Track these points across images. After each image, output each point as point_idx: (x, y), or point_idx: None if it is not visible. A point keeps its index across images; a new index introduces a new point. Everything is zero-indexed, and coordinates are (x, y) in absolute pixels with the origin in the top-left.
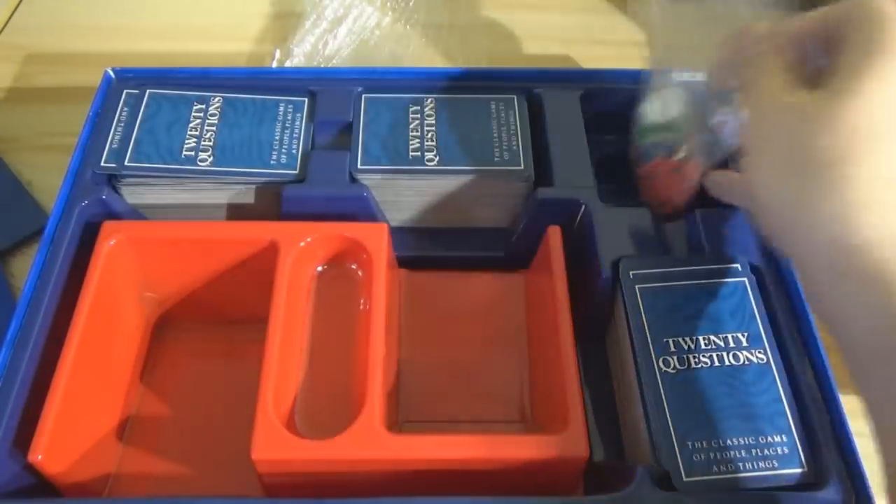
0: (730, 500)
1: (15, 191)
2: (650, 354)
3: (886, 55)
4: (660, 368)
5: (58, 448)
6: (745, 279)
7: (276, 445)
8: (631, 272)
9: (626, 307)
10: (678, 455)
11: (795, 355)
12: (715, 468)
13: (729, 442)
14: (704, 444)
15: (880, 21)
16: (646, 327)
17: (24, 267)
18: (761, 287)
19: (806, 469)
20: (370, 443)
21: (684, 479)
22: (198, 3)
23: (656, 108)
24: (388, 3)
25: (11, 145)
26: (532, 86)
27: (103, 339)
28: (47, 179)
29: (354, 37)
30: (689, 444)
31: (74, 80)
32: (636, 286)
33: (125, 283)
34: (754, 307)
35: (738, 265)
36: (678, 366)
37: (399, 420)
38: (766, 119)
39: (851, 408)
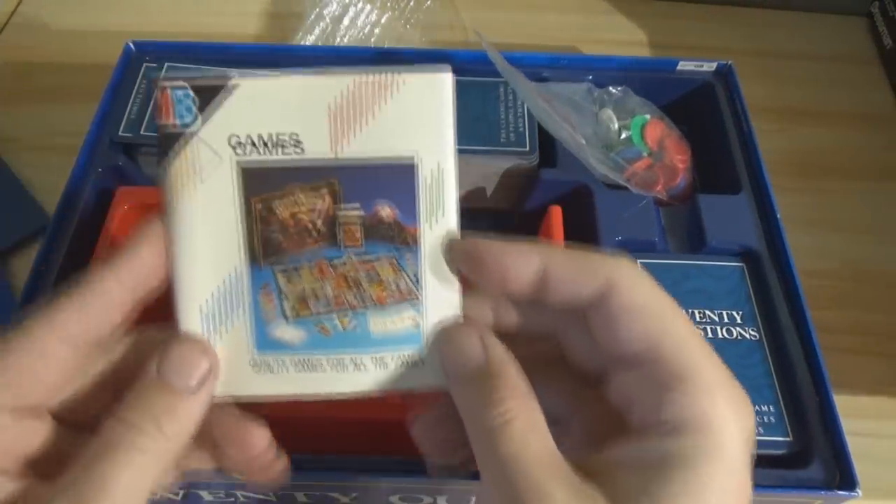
0: None
1: (15, 191)
2: None
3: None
4: None
5: None
6: (743, 264)
7: None
8: (635, 258)
9: None
10: None
11: (788, 338)
12: None
13: None
14: None
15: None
16: None
17: (24, 267)
18: (758, 270)
19: (791, 439)
20: None
21: None
22: (198, 3)
23: (604, 128)
24: (388, 3)
25: (11, 145)
26: (540, 70)
27: None
28: (47, 179)
29: (354, 35)
30: None
31: (74, 80)
32: (638, 261)
33: None
34: (750, 290)
35: (736, 249)
36: None
37: None
38: None
39: (850, 405)
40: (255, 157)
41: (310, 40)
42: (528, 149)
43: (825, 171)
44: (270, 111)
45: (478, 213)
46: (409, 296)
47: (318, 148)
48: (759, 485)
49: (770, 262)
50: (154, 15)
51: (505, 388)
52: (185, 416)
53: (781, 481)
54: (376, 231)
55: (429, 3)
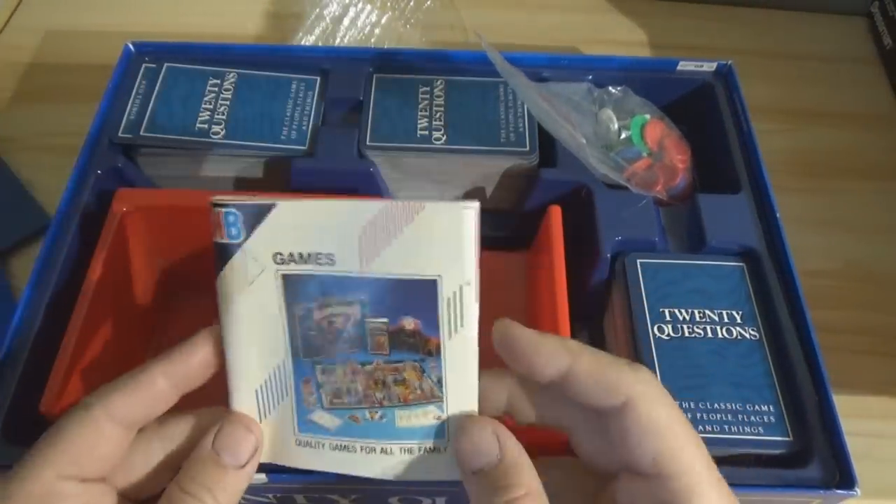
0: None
1: (15, 191)
2: (646, 320)
3: None
4: (654, 334)
5: (66, 402)
6: (743, 264)
7: None
8: (635, 257)
9: (626, 277)
10: None
11: (788, 337)
12: (701, 427)
13: (717, 405)
14: (692, 405)
15: None
16: (643, 296)
17: (24, 267)
18: (759, 270)
19: (791, 439)
20: None
21: None
22: (197, 3)
23: (603, 128)
24: (388, 3)
25: (11, 145)
26: (540, 71)
27: (113, 302)
28: (47, 179)
29: (354, 36)
30: (677, 402)
31: (74, 80)
32: (638, 260)
33: (136, 249)
34: (750, 290)
35: (736, 249)
36: (672, 333)
37: None
38: None
39: (850, 405)
40: (293, 266)
41: (310, 40)
42: (528, 149)
43: (825, 170)
44: (308, 229)
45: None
46: (433, 397)
47: (348, 264)
48: (758, 484)
49: (770, 262)
50: (154, 15)
51: (518, 488)
52: (233, 486)
53: (780, 480)
54: (401, 341)
55: (429, 3)
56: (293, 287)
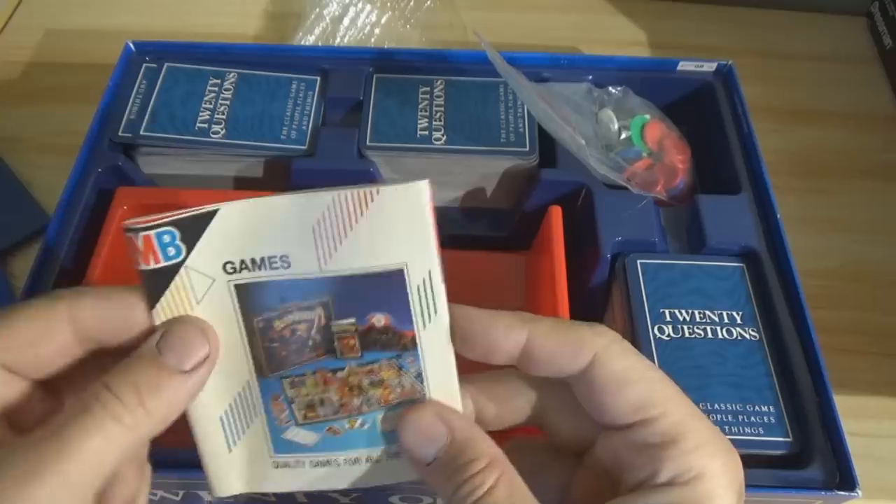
0: None
1: (15, 191)
2: (646, 321)
3: None
4: (654, 335)
5: None
6: (743, 265)
7: None
8: (635, 258)
9: (626, 277)
10: None
11: (788, 338)
12: None
13: (717, 406)
14: None
15: None
16: (644, 297)
17: (24, 267)
18: (758, 270)
19: (791, 439)
20: None
21: None
22: (197, 3)
23: (604, 128)
24: (388, 3)
25: (11, 145)
26: (540, 71)
27: None
28: (47, 179)
29: (354, 35)
30: None
31: (75, 79)
32: (638, 260)
33: None
34: (750, 290)
35: (736, 250)
36: (672, 334)
37: None
38: None
39: (850, 405)
40: (246, 274)
41: (310, 40)
42: (528, 149)
43: (825, 171)
44: (257, 231)
45: (478, 213)
46: (414, 394)
47: (305, 265)
48: (759, 485)
49: (770, 262)
50: (154, 15)
51: (478, 461)
52: (170, 395)
53: (781, 481)
54: (373, 340)
55: (429, 3)
56: (248, 297)
